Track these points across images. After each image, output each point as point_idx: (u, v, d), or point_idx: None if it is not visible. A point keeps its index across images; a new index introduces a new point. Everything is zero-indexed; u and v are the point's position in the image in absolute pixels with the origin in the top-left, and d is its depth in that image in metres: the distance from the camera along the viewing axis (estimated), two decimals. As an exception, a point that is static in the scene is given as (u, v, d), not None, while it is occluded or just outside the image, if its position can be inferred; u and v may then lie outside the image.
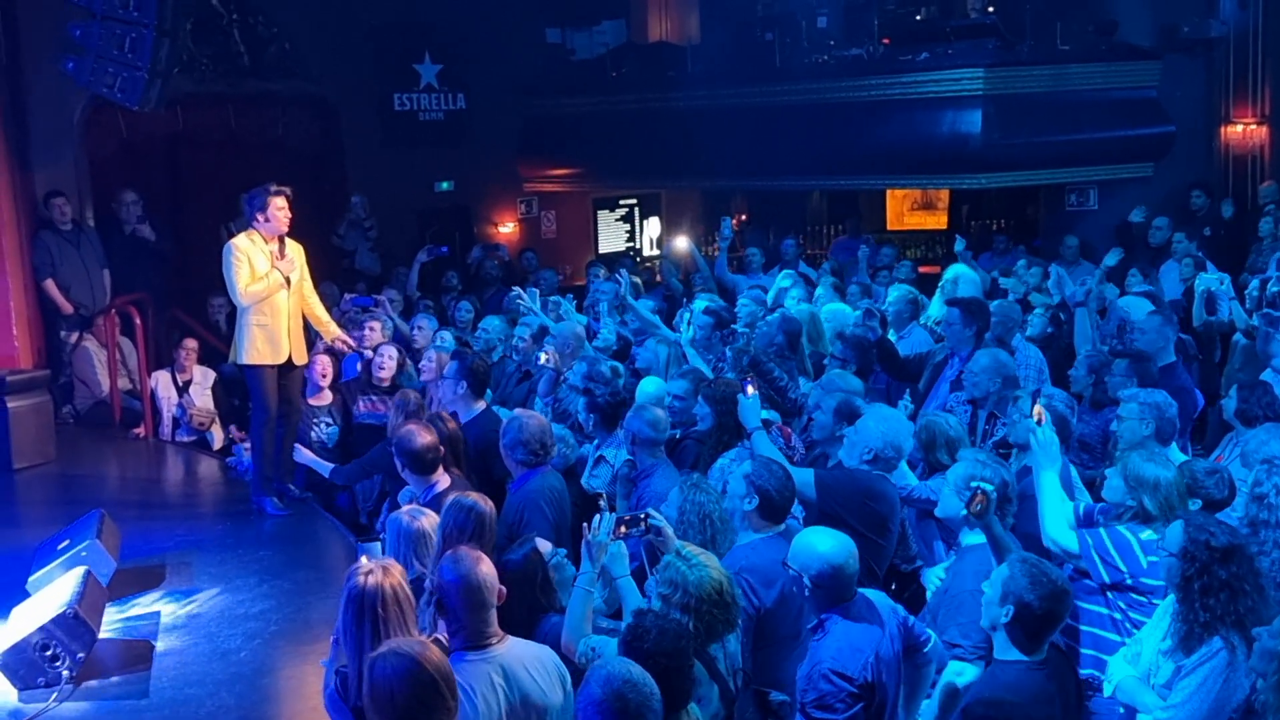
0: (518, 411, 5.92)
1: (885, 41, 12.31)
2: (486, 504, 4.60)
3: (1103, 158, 11.72)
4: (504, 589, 3.83)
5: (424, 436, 5.45)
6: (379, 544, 4.20)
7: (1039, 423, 4.81)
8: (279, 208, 7.12)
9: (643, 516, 4.22)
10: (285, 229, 7.14)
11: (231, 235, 11.89)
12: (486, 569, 3.76)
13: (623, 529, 4.20)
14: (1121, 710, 4.05)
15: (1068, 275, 8.49)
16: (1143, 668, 4.02)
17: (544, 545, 4.36)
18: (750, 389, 5.60)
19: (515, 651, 3.78)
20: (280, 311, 7.14)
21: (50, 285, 9.87)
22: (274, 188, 7.16)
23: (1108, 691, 4.11)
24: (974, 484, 4.35)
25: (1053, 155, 11.55)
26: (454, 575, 3.71)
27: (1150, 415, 5.34)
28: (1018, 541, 4.67)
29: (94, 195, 10.86)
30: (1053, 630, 3.76)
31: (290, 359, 7.20)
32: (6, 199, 9.38)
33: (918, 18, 12.79)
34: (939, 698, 4.20)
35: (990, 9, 12.10)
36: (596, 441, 6.22)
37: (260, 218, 7.13)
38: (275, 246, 7.11)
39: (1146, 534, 4.36)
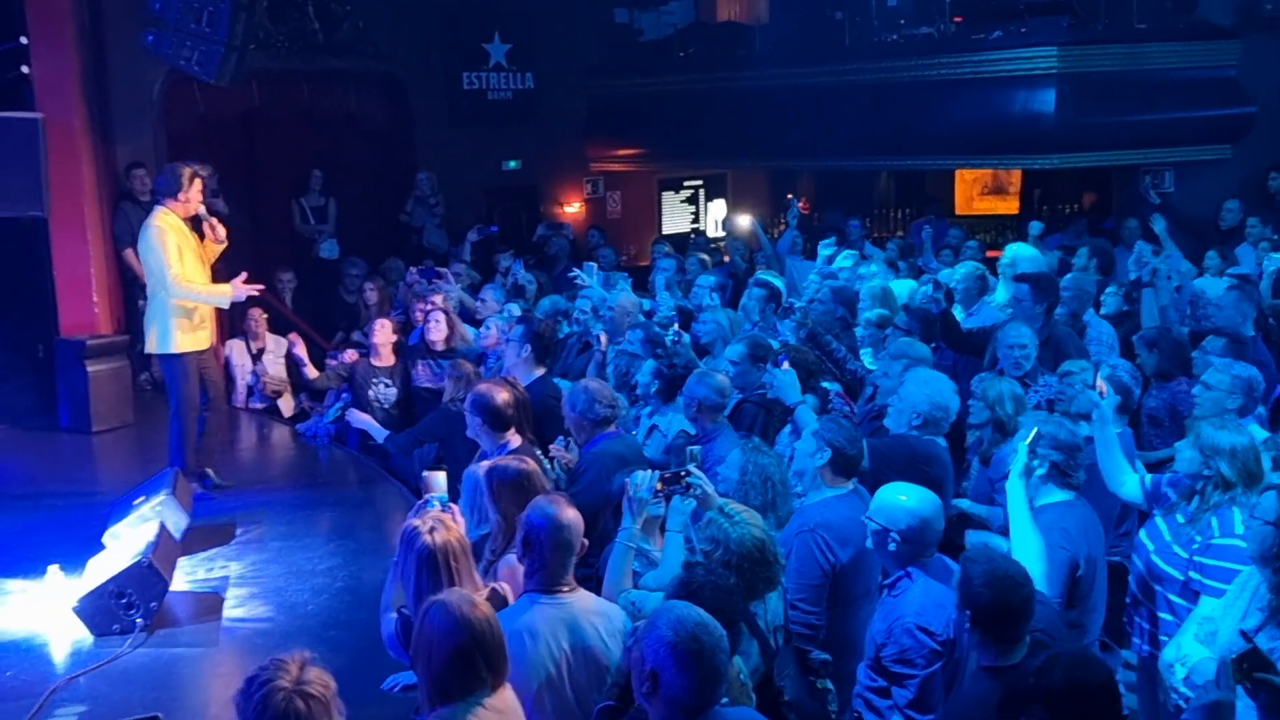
0: (584, 381, 5.93)
1: (957, 20, 12.15)
2: (533, 466, 4.59)
3: (1180, 139, 11.45)
4: (586, 541, 3.90)
5: (502, 393, 5.48)
6: (443, 475, 4.26)
7: (1101, 395, 4.77)
8: (199, 190, 7.05)
9: (682, 474, 4.24)
10: (196, 212, 7.07)
11: (303, 210, 12.25)
12: (573, 514, 3.84)
13: (661, 486, 4.23)
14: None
15: (1149, 254, 8.38)
16: (1220, 648, 3.85)
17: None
18: (785, 364, 5.60)
19: (584, 603, 3.84)
20: None
21: (130, 254, 10.04)
22: (197, 168, 7.06)
23: (1180, 675, 3.95)
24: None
25: (1128, 136, 11.30)
26: (542, 517, 3.78)
27: (1240, 389, 5.28)
28: (1090, 506, 4.61)
29: (172, 168, 11.10)
30: (1019, 625, 3.47)
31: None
32: (89, 170, 9.64)
33: (990, -5, 12.60)
34: None
35: (1065, -15, 11.89)
36: (650, 409, 6.22)
37: (181, 196, 6.98)
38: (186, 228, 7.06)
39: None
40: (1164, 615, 4.48)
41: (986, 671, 3.45)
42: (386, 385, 7.85)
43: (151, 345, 7.22)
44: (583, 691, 3.69)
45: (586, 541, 3.91)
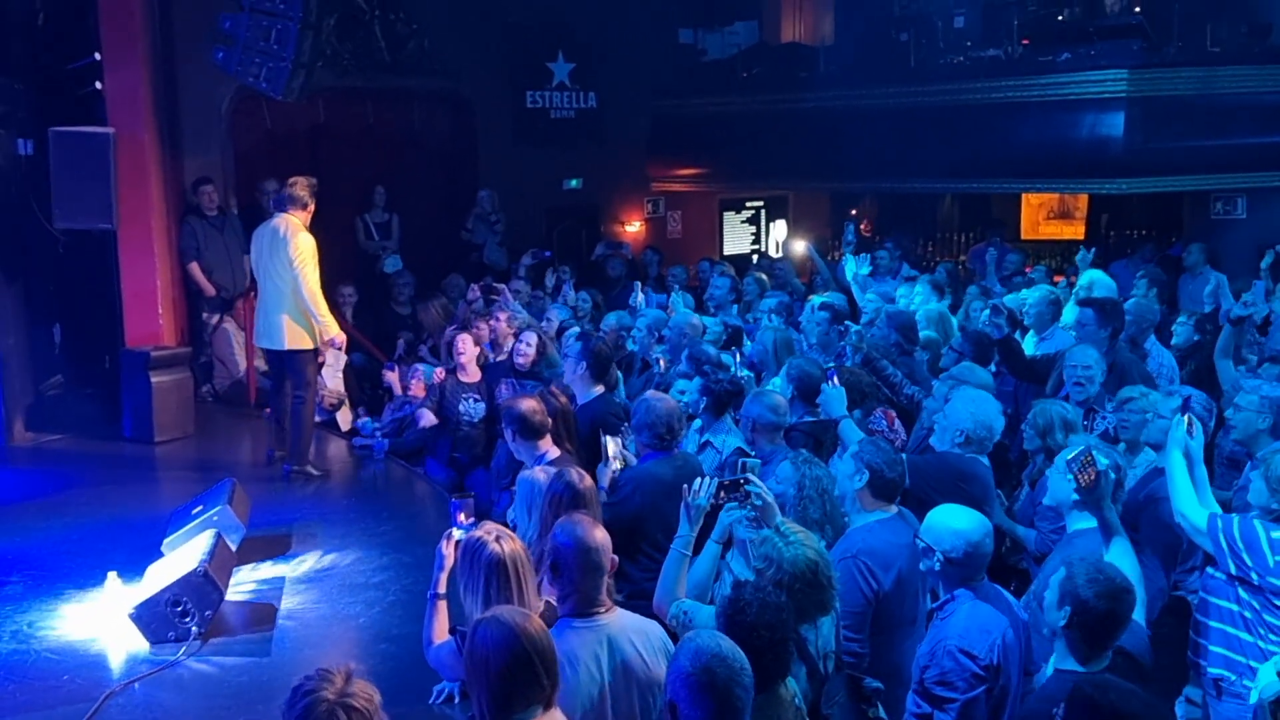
0: (649, 394, 5.88)
1: (1024, 42, 12.03)
2: (586, 480, 4.58)
3: (1252, 164, 11.22)
4: (616, 558, 3.83)
5: (528, 401, 5.50)
6: (471, 500, 4.26)
7: (1190, 434, 4.60)
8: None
9: (742, 482, 4.18)
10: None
11: (367, 226, 12.37)
12: (601, 535, 3.75)
13: (722, 494, 4.18)
14: None
15: (1227, 286, 8.21)
16: None
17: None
18: (835, 380, 5.55)
19: (621, 623, 3.76)
20: None
21: (194, 268, 10.28)
22: (314, 181, 7.82)
23: (1253, 699, 3.89)
24: (1081, 456, 4.21)
25: (1199, 161, 11.11)
26: (569, 538, 3.69)
27: (1269, 409, 5.19)
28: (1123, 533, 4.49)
29: (238, 183, 11.30)
30: (1115, 635, 3.51)
31: None
32: (157, 185, 9.80)
33: (1059, 18, 12.45)
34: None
35: (1136, 9, 11.73)
36: (700, 424, 6.13)
37: (311, 209, 7.77)
38: None
39: (1278, 532, 4.16)
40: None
41: (1065, 674, 3.45)
42: (475, 400, 7.91)
43: (292, 341, 7.85)
44: (628, 714, 3.62)
45: (617, 559, 3.83)
